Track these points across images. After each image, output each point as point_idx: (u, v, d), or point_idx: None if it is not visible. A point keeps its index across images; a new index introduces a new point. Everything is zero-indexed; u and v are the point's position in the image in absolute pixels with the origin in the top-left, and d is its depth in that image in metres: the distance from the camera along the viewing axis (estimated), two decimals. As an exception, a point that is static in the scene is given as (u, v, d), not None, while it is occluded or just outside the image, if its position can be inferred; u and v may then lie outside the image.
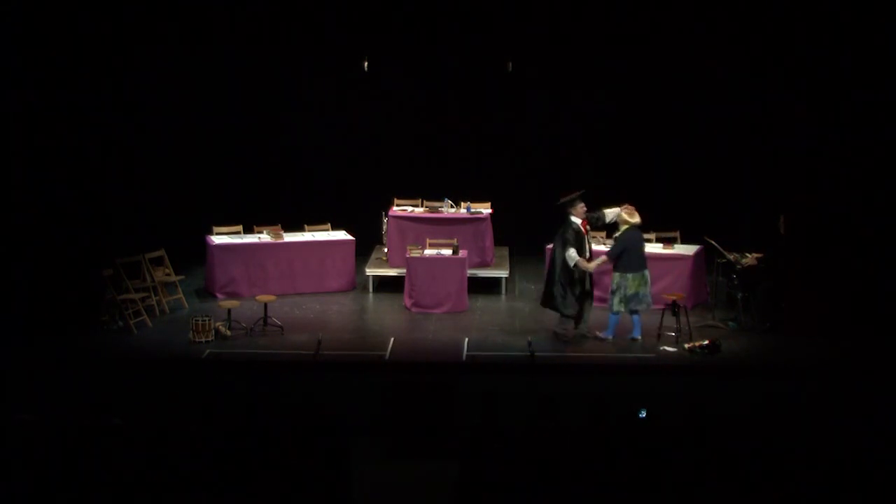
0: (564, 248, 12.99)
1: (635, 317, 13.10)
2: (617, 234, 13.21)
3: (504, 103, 16.78)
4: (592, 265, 13.12)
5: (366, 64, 15.80)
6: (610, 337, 13.11)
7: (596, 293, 13.65)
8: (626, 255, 12.95)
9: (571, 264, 12.95)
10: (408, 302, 14.47)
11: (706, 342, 12.70)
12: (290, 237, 15.38)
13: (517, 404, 9.76)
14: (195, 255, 15.50)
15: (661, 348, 12.88)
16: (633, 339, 13.10)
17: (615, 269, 13.08)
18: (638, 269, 12.98)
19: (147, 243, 14.62)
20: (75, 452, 8.29)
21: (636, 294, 12.97)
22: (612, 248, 13.15)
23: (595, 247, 13.77)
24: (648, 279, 13.12)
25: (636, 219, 13.06)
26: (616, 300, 13.02)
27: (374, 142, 16.91)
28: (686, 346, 12.77)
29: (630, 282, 12.94)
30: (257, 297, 13.93)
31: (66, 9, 13.06)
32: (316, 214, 15.93)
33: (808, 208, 13.19)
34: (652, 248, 14.73)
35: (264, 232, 15.40)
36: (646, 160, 16.59)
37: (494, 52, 16.06)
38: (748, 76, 15.19)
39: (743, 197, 15.68)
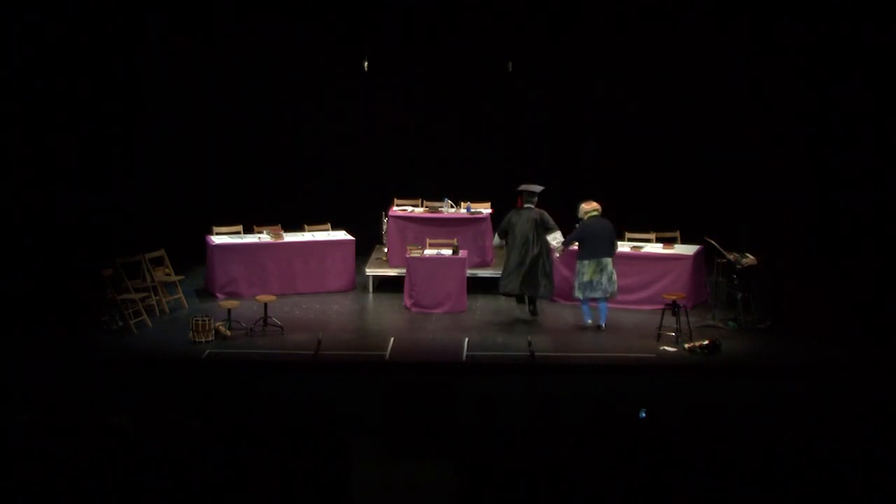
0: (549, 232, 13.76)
1: (585, 305, 13.47)
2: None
3: (504, 103, 16.79)
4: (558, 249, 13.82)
5: (366, 64, 15.80)
6: (589, 322, 13.52)
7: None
8: (584, 243, 13.41)
9: (556, 244, 13.73)
10: (408, 302, 14.47)
11: (706, 342, 12.71)
12: (290, 237, 15.38)
13: (517, 404, 9.76)
14: (195, 255, 15.51)
15: (661, 348, 12.88)
16: (592, 326, 13.47)
17: (577, 255, 13.57)
18: (592, 256, 13.31)
19: (147, 243, 14.62)
20: (76, 452, 8.29)
21: (590, 282, 13.34)
22: (569, 236, 13.64)
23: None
24: (608, 268, 13.33)
25: (591, 207, 13.57)
26: (576, 286, 13.49)
27: (375, 142, 16.90)
28: (686, 346, 12.77)
29: (585, 268, 13.32)
30: (257, 297, 13.94)
31: (68, 7, 13.06)
32: (316, 214, 15.94)
33: (808, 208, 13.19)
34: (652, 248, 14.77)
35: (264, 232, 15.41)
36: (646, 160, 16.59)
37: (494, 52, 16.06)
38: (748, 75, 15.18)
39: (743, 197, 15.67)
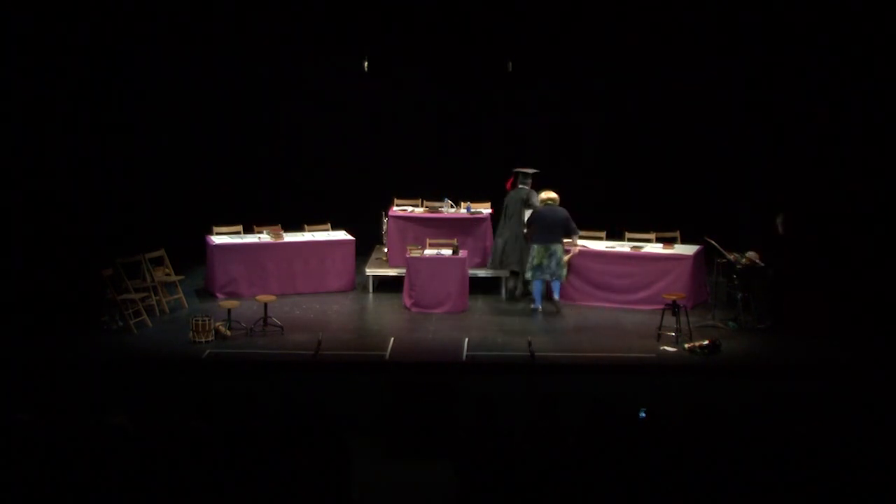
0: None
1: (536, 289, 14.29)
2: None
3: (504, 103, 16.79)
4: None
5: (366, 64, 15.80)
6: (538, 307, 14.25)
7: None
8: (535, 229, 14.21)
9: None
10: (408, 302, 14.47)
11: (706, 342, 12.70)
12: (290, 237, 15.38)
13: (517, 404, 9.76)
14: (195, 255, 15.51)
15: (661, 348, 12.88)
16: (534, 309, 14.30)
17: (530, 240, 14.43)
18: (541, 241, 14.13)
19: (147, 243, 14.62)
20: (75, 452, 8.29)
21: (540, 265, 14.12)
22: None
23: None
24: (557, 254, 14.09)
25: (547, 195, 14.28)
26: (527, 268, 14.32)
27: (375, 141, 16.91)
28: (686, 346, 12.77)
29: (535, 252, 14.14)
30: (257, 297, 13.93)
31: (68, 6, 13.06)
32: (316, 214, 15.94)
33: (808, 207, 13.18)
34: (652, 248, 14.78)
35: (264, 232, 15.41)
36: (645, 160, 16.60)
37: (494, 52, 16.06)
38: (748, 75, 15.20)
39: (743, 197, 15.69)
